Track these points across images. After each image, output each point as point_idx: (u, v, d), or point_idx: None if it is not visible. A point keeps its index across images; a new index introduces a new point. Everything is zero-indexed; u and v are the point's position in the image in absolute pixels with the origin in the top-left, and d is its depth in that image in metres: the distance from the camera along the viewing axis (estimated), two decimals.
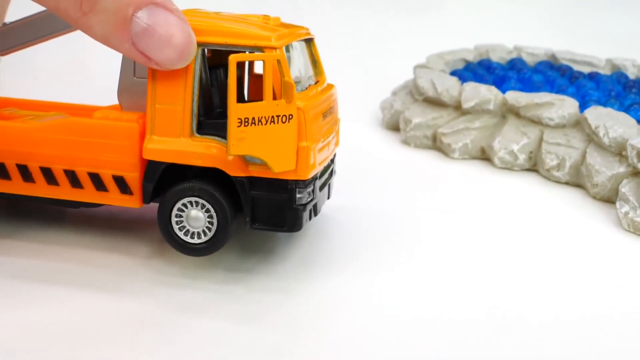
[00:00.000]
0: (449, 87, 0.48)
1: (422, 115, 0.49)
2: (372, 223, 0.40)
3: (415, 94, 0.51)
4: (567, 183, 0.44)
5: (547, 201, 0.43)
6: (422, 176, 0.46)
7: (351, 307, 0.32)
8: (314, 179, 0.34)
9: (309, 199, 0.34)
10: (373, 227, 0.40)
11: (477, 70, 0.53)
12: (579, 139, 0.44)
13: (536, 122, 0.45)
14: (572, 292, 0.34)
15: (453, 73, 0.52)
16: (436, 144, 0.48)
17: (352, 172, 0.46)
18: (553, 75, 0.51)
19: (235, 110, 0.30)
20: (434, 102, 0.49)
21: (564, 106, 0.45)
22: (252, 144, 0.31)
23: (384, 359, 0.28)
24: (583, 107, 0.46)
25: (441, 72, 0.51)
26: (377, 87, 0.57)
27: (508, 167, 0.45)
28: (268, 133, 0.31)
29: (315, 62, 0.37)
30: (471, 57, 0.54)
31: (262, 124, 0.31)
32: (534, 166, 0.45)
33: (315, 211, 0.35)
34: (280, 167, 0.32)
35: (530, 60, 0.54)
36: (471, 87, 0.48)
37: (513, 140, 0.45)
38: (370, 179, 0.46)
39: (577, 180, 0.43)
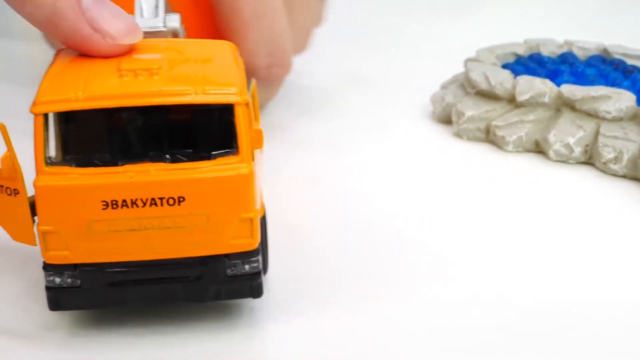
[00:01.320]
0: (503, 80, 0.48)
1: (475, 108, 0.49)
2: (425, 217, 0.41)
3: (467, 87, 0.51)
4: (624, 176, 0.43)
5: (604, 195, 0.43)
6: (476, 168, 0.46)
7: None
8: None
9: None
10: (427, 220, 0.40)
11: (529, 64, 0.52)
12: (636, 132, 0.44)
13: (592, 115, 0.45)
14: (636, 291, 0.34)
15: (504, 67, 0.52)
16: (489, 137, 0.48)
17: (404, 164, 0.47)
18: (606, 69, 0.50)
19: None
20: (487, 95, 0.49)
21: (620, 99, 0.45)
22: None
23: None
24: (639, 101, 0.46)
25: (493, 66, 0.51)
26: (424, 81, 0.57)
27: (563, 160, 0.45)
28: None
29: None
30: (521, 51, 0.54)
31: None
32: (589, 159, 0.45)
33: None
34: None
35: (581, 55, 0.54)
36: (525, 80, 0.48)
37: (569, 133, 0.45)
38: (423, 171, 0.46)
39: (634, 174, 0.43)
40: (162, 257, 0.30)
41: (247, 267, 0.31)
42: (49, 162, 0.30)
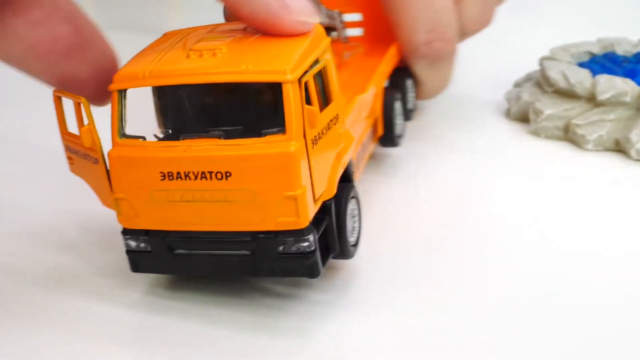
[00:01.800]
0: (582, 79, 0.49)
1: (553, 107, 0.49)
2: (503, 216, 0.41)
3: (545, 85, 0.51)
4: None
5: None
6: (556, 166, 0.46)
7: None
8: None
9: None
10: (504, 219, 0.41)
11: (604, 62, 0.53)
12: None
13: None
14: None
15: (579, 65, 0.52)
16: (568, 135, 0.48)
17: (481, 162, 0.47)
18: None
19: None
20: (566, 94, 0.49)
21: None
22: None
23: None
24: None
25: (570, 64, 0.51)
26: (496, 79, 0.57)
27: None
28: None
29: None
30: (596, 50, 0.54)
31: None
32: None
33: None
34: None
35: None
36: (605, 79, 0.48)
37: None
38: (501, 167, 0.46)
39: None
40: (215, 230, 0.32)
41: (298, 246, 0.31)
42: (122, 134, 0.32)
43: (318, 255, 0.32)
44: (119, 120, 0.32)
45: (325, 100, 0.33)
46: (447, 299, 0.34)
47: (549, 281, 0.35)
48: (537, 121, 0.49)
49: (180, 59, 0.32)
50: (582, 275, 0.35)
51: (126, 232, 0.33)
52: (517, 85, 0.55)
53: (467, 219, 0.41)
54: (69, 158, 0.35)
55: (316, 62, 0.33)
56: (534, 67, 0.55)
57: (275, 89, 0.30)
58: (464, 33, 0.50)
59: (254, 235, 0.31)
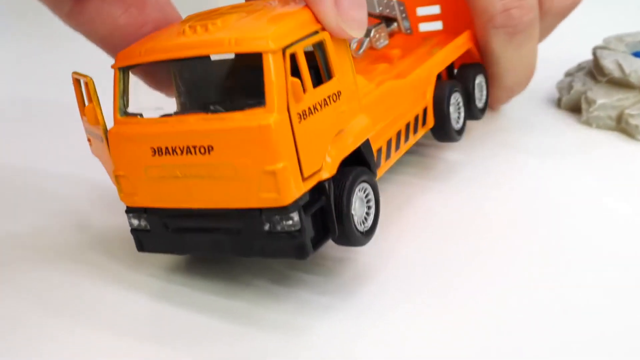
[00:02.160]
0: (638, 68, 0.48)
1: (606, 96, 0.48)
2: (553, 207, 0.40)
3: (598, 75, 0.50)
4: None
5: None
6: (610, 156, 0.45)
7: None
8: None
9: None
10: (553, 212, 0.40)
11: None
12: None
13: None
14: None
15: (634, 55, 0.51)
16: (620, 125, 0.47)
17: (532, 152, 0.46)
18: None
19: None
20: (620, 84, 0.48)
21: None
22: None
23: None
24: None
25: (625, 54, 0.50)
26: (546, 68, 0.56)
27: None
28: None
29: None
30: None
31: None
32: None
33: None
34: None
35: None
36: None
37: None
38: (553, 157, 0.45)
39: None
40: (203, 207, 0.31)
41: (282, 224, 0.30)
42: (123, 112, 0.32)
43: (307, 235, 0.30)
44: (120, 98, 0.33)
45: (325, 75, 0.32)
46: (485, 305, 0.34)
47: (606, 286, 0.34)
48: (589, 111, 0.48)
49: (177, 35, 0.32)
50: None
51: (128, 211, 0.34)
52: (569, 74, 0.54)
53: (511, 210, 0.40)
54: (89, 140, 0.36)
55: (312, 35, 0.31)
56: (586, 56, 0.54)
57: (256, 60, 0.30)
58: (549, 12, 0.47)
59: (241, 213, 0.31)
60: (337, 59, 0.32)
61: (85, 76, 0.33)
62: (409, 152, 0.45)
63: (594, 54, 0.51)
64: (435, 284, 0.34)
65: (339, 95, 0.32)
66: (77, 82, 0.34)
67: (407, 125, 0.40)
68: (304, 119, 0.30)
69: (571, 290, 0.33)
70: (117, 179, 0.33)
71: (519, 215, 0.39)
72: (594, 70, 0.51)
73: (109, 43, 0.36)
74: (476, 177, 0.44)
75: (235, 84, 0.34)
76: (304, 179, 0.30)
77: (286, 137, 0.29)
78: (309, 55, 0.31)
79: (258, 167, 0.29)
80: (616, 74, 0.48)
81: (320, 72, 0.32)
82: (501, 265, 0.35)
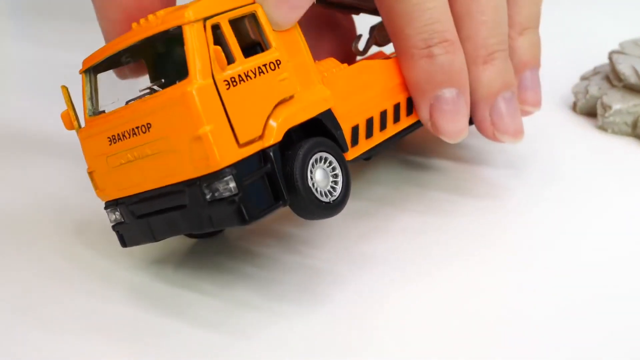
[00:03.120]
0: None
1: (622, 102, 0.48)
2: (563, 214, 0.40)
3: (614, 79, 0.50)
4: None
5: None
6: (624, 163, 0.45)
7: None
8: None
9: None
10: (564, 219, 0.39)
11: None
12: None
13: None
14: None
15: None
16: (636, 131, 0.47)
17: (544, 156, 0.46)
18: None
19: None
20: (636, 89, 0.48)
21: None
22: None
23: None
24: None
25: None
26: (562, 72, 0.56)
27: None
28: None
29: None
30: None
31: None
32: None
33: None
34: None
35: None
36: None
37: None
38: (565, 164, 0.45)
39: None
40: (155, 186, 0.32)
41: (218, 190, 0.30)
42: (91, 112, 0.34)
43: (246, 200, 0.30)
44: (88, 99, 0.34)
45: (260, 45, 0.33)
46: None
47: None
48: (605, 116, 0.48)
49: (130, 31, 0.33)
50: None
51: (106, 206, 0.35)
52: (584, 78, 0.54)
53: (523, 213, 0.40)
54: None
55: (242, 7, 0.32)
56: (602, 60, 0.54)
57: (180, 36, 0.31)
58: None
59: (183, 185, 0.31)
60: (271, 29, 0.33)
61: (62, 86, 0.35)
62: (420, 155, 0.45)
63: (610, 58, 0.51)
64: (401, 304, 0.34)
65: (278, 64, 0.33)
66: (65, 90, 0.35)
67: (396, 107, 0.39)
68: (234, 85, 0.31)
69: (586, 299, 0.33)
70: (90, 175, 0.35)
71: (528, 222, 0.39)
72: (610, 75, 0.51)
73: (119, 26, 0.37)
74: (489, 181, 0.44)
75: (174, 63, 0.35)
76: (240, 145, 0.31)
77: (211, 102, 0.30)
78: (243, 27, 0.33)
79: (187, 134, 0.30)
80: (632, 79, 0.48)
81: (259, 42, 0.33)
82: (505, 274, 0.35)
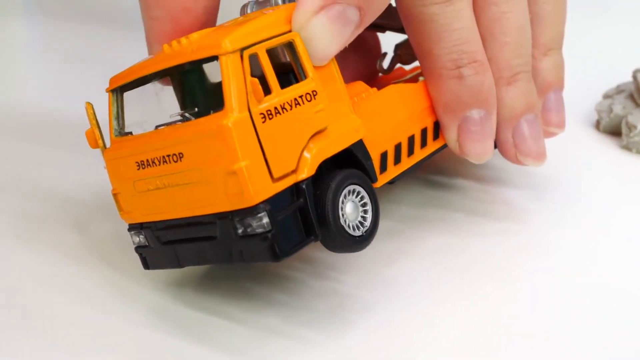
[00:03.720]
0: None
1: None
2: (587, 238, 0.39)
3: (638, 98, 0.49)
4: None
5: None
6: None
7: None
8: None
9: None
10: (588, 243, 0.39)
11: None
12: None
13: None
14: None
15: None
16: None
17: (567, 176, 0.46)
18: None
19: None
20: None
21: None
22: None
23: None
24: None
25: None
26: (584, 89, 0.56)
27: None
28: None
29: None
30: None
31: None
32: None
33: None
34: None
35: None
36: None
37: None
38: (589, 184, 0.45)
39: None
40: (183, 216, 0.32)
41: (252, 226, 0.30)
42: (118, 133, 0.34)
43: (279, 237, 0.30)
44: (114, 119, 0.34)
45: (300, 75, 0.32)
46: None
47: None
48: (629, 136, 0.48)
49: (160, 52, 0.33)
50: None
51: (130, 228, 0.35)
52: (607, 96, 0.54)
53: (543, 235, 0.40)
54: (105, 167, 0.36)
55: (280, 35, 0.31)
56: (625, 78, 0.54)
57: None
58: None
59: (214, 218, 0.31)
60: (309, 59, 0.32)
61: (87, 103, 0.34)
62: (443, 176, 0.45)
63: (634, 77, 0.51)
64: (428, 327, 0.33)
65: (314, 95, 0.32)
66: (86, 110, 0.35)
67: (423, 131, 0.39)
68: (270, 118, 0.30)
69: (603, 323, 0.33)
70: (115, 197, 0.34)
71: (551, 245, 0.39)
72: (635, 94, 0.50)
73: (160, 24, 0.37)
74: (512, 203, 0.43)
75: (208, 91, 0.35)
76: (274, 180, 0.30)
77: (247, 136, 0.29)
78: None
79: (222, 168, 0.30)
80: None
81: (294, 72, 0.32)
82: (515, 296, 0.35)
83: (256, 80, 0.30)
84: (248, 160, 0.29)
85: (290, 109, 0.31)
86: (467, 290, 0.35)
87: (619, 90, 0.53)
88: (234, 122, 0.29)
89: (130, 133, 0.34)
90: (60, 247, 0.41)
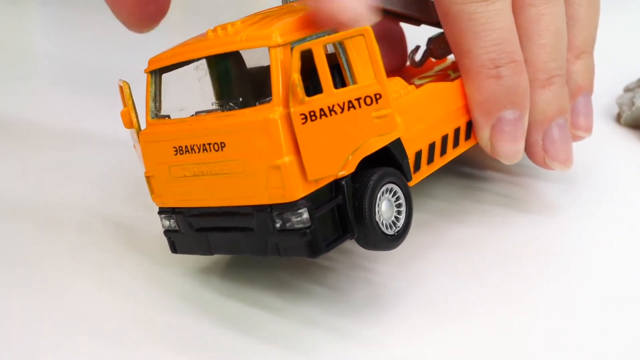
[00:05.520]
0: None
1: None
2: (604, 232, 0.39)
3: None
4: None
5: None
6: None
7: None
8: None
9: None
10: (604, 237, 0.39)
11: None
12: None
13: None
14: None
15: None
16: None
17: (589, 170, 0.46)
18: None
19: None
20: None
21: None
22: None
23: None
24: None
25: None
26: (605, 82, 0.56)
27: None
28: None
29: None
30: None
31: None
32: None
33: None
34: None
35: None
36: None
37: None
38: (612, 175, 0.45)
39: None
40: (220, 205, 0.32)
41: (291, 221, 0.30)
42: (154, 115, 0.34)
43: (317, 233, 0.30)
44: (151, 101, 0.34)
45: (350, 77, 0.31)
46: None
47: None
48: None
49: (202, 38, 0.33)
50: None
51: (160, 211, 0.35)
52: (629, 90, 0.54)
53: (568, 233, 0.40)
54: (134, 146, 0.36)
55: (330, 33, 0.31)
56: None
57: (264, 57, 0.30)
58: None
59: (253, 210, 0.31)
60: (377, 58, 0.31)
61: (123, 82, 0.34)
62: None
63: None
64: (460, 317, 0.34)
65: (377, 98, 0.30)
66: (121, 89, 0.35)
67: (456, 131, 0.39)
68: (316, 118, 0.29)
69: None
70: (147, 180, 0.34)
71: (572, 242, 0.39)
72: None
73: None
74: (541, 195, 0.43)
75: (253, 81, 0.34)
76: (318, 177, 0.30)
77: (293, 133, 0.29)
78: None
79: (265, 162, 0.30)
80: None
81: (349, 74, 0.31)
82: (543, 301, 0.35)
83: (295, 79, 0.29)
84: (292, 155, 0.29)
85: (342, 111, 0.30)
86: (498, 282, 0.36)
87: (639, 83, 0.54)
88: (281, 116, 0.29)
89: (168, 116, 0.34)
90: (86, 233, 0.42)
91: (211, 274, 0.38)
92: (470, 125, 0.39)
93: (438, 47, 0.43)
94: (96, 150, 0.53)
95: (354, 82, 0.31)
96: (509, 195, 0.43)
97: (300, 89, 0.29)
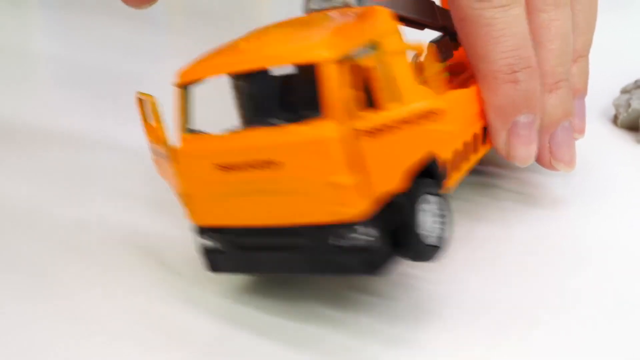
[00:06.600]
0: None
1: None
2: (601, 236, 0.40)
3: None
4: None
5: None
6: None
7: None
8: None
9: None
10: (600, 241, 0.39)
11: None
12: None
13: None
14: None
15: None
16: None
17: (584, 172, 0.46)
18: None
19: None
20: None
21: None
22: None
23: None
24: None
25: None
26: (602, 83, 0.56)
27: None
28: None
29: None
30: None
31: None
32: None
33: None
34: None
35: None
36: None
37: None
38: (608, 178, 0.46)
39: None
40: (270, 224, 0.31)
41: (351, 239, 0.29)
42: (187, 129, 0.32)
43: (379, 251, 0.29)
44: (184, 115, 0.32)
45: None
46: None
47: None
48: None
49: (234, 50, 0.32)
50: None
51: (198, 230, 0.33)
52: (625, 91, 0.54)
53: (566, 239, 0.40)
54: (155, 161, 0.35)
55: (374, 46, 0.30)
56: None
57: (313, 72, 0.28)
58: None
59: (310, 228, 0.30)
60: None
61: (148, 96, 0.33)
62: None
63: None
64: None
65: (438, 114, 0.30)
66: (140, 102, 0.34)
67: (475, 136, 0.39)
68: (374, 135, 0.29)
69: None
70: (183, 197, 0.33)
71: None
72: None
73: None
74: (549, 191, 0.44)
75: (288, 92, 0.33)
76: (375, 195, 0.29)
77: (351, 150, 0.28)
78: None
79: (323, 179, 0.29)
80: None
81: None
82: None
83: (349, 95, 0.28)
84: (352, 173, 0.28)
85: (401, 127, 0.29)
86: (528, 284, 0.36)
87: (637, 85, 0.54)
88: (338, 133, 0.28)
89: (199, 131, 0.32)
90: (114, 250, 0.41)
91: (252, 292, 0.36)
92: (484, 130, 0.40)
93: (442, 50, 0.43)
94: (101, 155, 0.53)
95: (396, 97, 0.30)
96: (522, 192, 0.44)
97: (356, 104, 0.28)
